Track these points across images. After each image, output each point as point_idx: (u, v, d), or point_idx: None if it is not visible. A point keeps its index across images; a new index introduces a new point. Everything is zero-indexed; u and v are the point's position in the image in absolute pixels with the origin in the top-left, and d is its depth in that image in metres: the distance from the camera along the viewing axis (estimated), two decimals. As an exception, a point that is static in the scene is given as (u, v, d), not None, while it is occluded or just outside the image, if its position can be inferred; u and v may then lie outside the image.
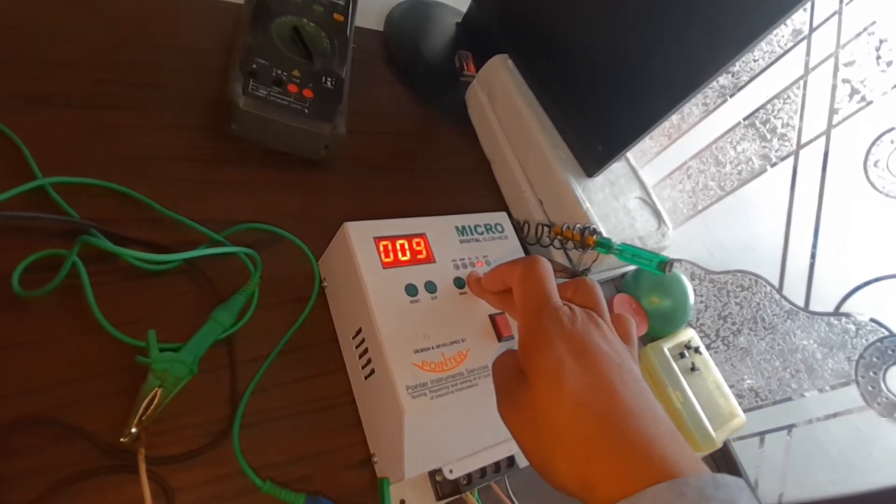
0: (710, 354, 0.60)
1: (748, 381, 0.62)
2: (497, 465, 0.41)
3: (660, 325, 0.58)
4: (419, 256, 0.41)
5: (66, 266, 0.34)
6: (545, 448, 0.26)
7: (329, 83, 0.48)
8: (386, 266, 0.39)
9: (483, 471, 0.40)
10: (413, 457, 0.35)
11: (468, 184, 0.60)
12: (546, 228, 0.51)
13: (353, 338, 0.39)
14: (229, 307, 0.37)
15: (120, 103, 0.43)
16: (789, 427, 0.57)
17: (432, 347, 0.37)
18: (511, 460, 0.42)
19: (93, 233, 0.36)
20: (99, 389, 0.33)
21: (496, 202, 0.60)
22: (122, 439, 0.31)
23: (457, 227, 0.44)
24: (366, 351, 0.38)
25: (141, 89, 0.45)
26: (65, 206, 0.37)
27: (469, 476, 0.39)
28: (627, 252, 0.45)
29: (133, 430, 0.32)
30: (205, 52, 0.49)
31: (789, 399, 0.58)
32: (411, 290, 0.38)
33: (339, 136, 0.47)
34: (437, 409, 0.35)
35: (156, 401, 0.33)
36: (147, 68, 0.46)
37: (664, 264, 0.42)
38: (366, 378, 0.38)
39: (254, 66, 0.44)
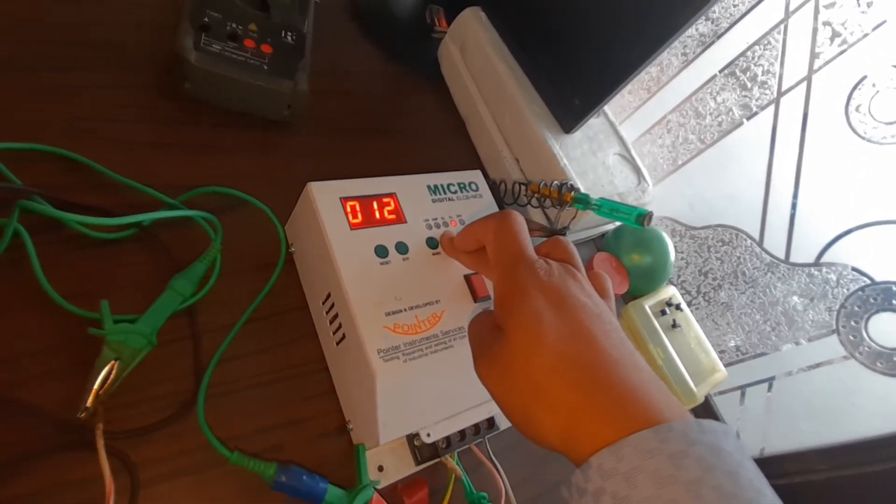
0: (692, 311, 0.60)
1: (729, 337, 0.62)
2: (476, 427, 0.40)
3: (641, 283, 0.57)
4: (389, 217, 0.39)
5: (6, 234, 0.31)
6: (526, 404, 0.25)
7: (289, 38, 0.45)
8: (354, 227, 0.37)
9: (462, 433, 0.39)
10: (387, 422, 0.34)
11: (442, 145, 0.58)
12: (523, 187, 0.50)
13: (323, 303, 0.38)
14: (189, 275, 0.35)
15: (64, 63, 0.40)
16: (770, 380, 0.57)
17: (405, 310, 0.36)
18: (491, 422, 0.41)
19: (35, 199, 0.34)
20: (50, 365, 0.31)
21: (472, 163, 0.58)
22: (78, 415, 0.30)
23: (429, 187, 0.42)
24: (336, 316, 0.36)
25: (86, 48, 0.42)
26: (6, 172, 0.34)
27: (448, 439, 0.38)
28: (605, 207, 0.43)
29: (89, 405, 0.30)
30: (155, 7, 0.45)
31: (769, 352, 0.58)
32: (381, 251, 0.37)
33: (302, 94, 0.44)
34: (410, 373, 0.34)
35: (112, 374, 0.31)
36: (92, 25, 0.43)
37: (643, 217, 0.41)
38: (337, 344, 0.37)
39: (206, 19, 0.41)
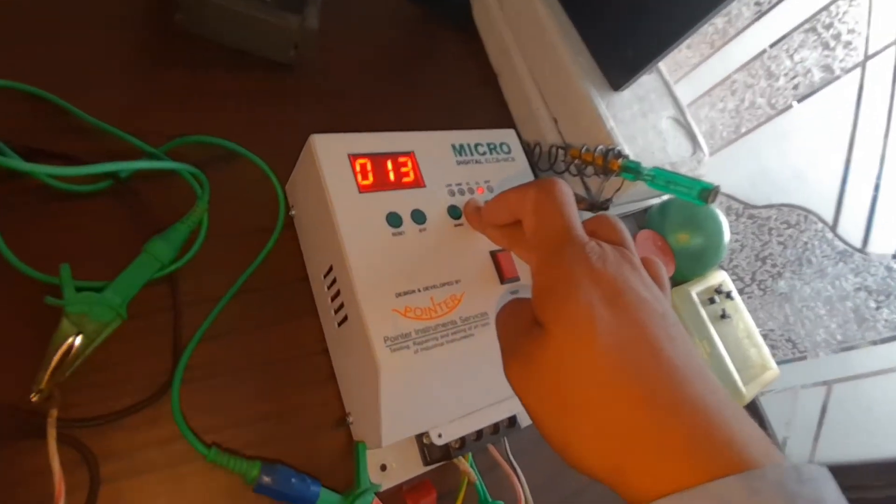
0: (744, 300, 0.53)
1: (785, 331, 0.55)
2: (496, 427, 0.35)
3: (688, 267, 0.51)
4: (405, 180, 0.33)
5: (-48, 183, 0.26)
6: (567, 421, 0.20)
7: (298, -36, 0.39)
8: (363, 190, 0.31)
9: (479, 433, 0.34)
10: (392, 421, 0.29)
11: (470, 100, 0.51)
12: (561, 151, 0.43)
13: (325, 277, 0.32)
14: (168, 238, 0.30)
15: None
16: (828, 382, 0.51)
17: (418, 290, 0.30)
18: (513, 420, 0.36)
19: (-6, 144, 0.29)
20: (4, 338, 0.27)
21: (502, 122, 0.51)
22: (31, 397, 0.25)
23: (453, 146, 0.36)
24: (338, 294, 0.31)
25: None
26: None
27: (462, 440, 0.33)
28: (661, 178, 0.37)
29: (43, 387, 0.26)
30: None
31: (831, 352, 0.51)
32: (394, 219, 0.31)
33: (310, 32, 0.38)
34: (422, 365, 0.29)
35: (73, 351, 0.26)
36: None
37: (707, 192, 0.34)
38: (339, 325, 0.32)
39: (199, -64, 0.35)
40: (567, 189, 0.25)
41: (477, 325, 0.31)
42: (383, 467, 0.33)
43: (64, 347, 0.26)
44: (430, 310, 0.30)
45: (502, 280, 0.33)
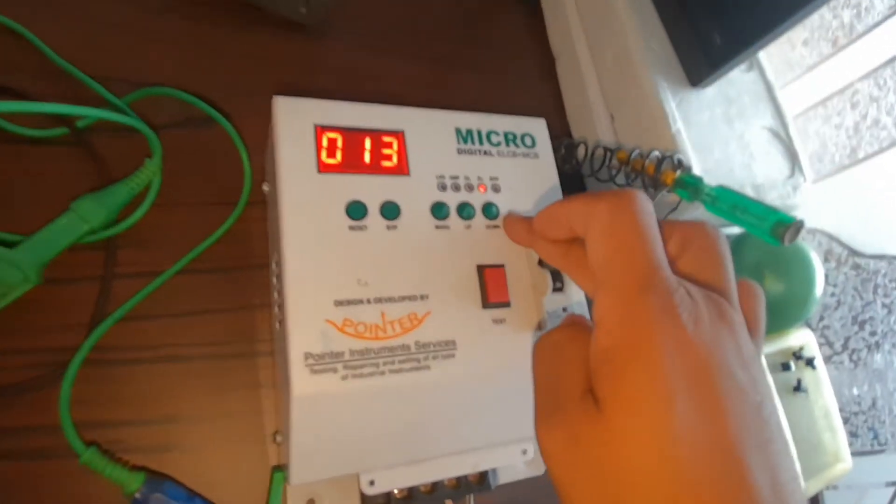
0: (829, 370, 0.42)
1: (868, 416, 0.43)
2: (456, 482, 0.28)
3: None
4: (385, 164, 0.27)
5: None
6: None
7: None
8: (324, 169, 0.26)
9: (434, 485, 0.28)
10: (304, 457, 0.23)
11: (519, 87, 0.44)
12: (608, 153, 0.35)
13: (275, 266, 0.27)
14: (101, 198, 0.26)
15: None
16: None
17: (366, 301, 0.24)
18: (482, 478, 0.29)
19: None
20: None
21: (553, 116, 0.43)
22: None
23: (458, 131, 0.29)
24: (280, 291, 0.26)
25: None
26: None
27: (410, 491, 0.27)
28: (725, 201, 0.28)
29: (-71, 345, 0.23)
30: None
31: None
32: (356, 210, 0.25)
33: (322, -17, 0.33)
34: (350, 396, 0.23)
35: (-29, 311, 0.23)
36: None
37: (783, 228, 0.25)
38: (279, 326, 0.26)
39: None
40: (650, 208, 0.19)
41: (437, 356, 0.25)
42: (311, 503, 0.27)
43: (-40, 306, 0.23)
44: (377, 327, 0.24)
45: (485, 303, 0.26)
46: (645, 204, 0.19)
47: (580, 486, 0.17)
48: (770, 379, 0.38)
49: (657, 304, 0.17)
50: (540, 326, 0.27)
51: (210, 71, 0.33)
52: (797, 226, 0.25)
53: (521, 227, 0.26)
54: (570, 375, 0.18)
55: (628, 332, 0.17)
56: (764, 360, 0.39)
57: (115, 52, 0.31)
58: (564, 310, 0.28)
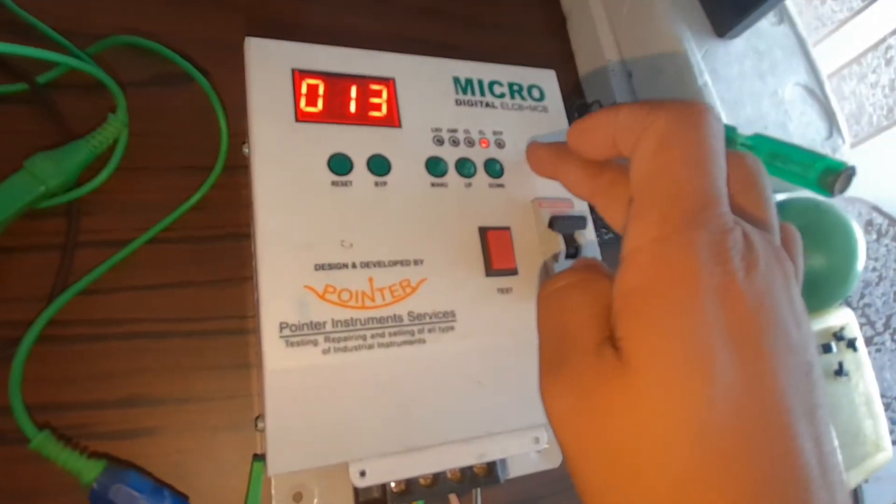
0: (870, 353, 0.38)
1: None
2: (461, 473, 0.25)
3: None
4: (373, 114, 0.24)
5: None
6: (624, 496, 0.14)
7: None
8: (303, 118, 0.23)
9: (435, 477, 0.25)
10: (282, 443, 0.20)
11: (527, 45, 0.40)
12: (626, 112, 0.31)
13: (253, 233, 0.25)
14: (59, 157, 0.24)
15: None
16: None
17: (353, 265, 0.21)
18: (490, 470, 0.26)
19: None
20: None
21: (565, 75, 0.40)
22: None
23: (456, 80, 0.26)
24: (255, 252, 0.23)
25: None
26: None
27: (407, 482, 0.24)
28: (763, 150, 0.24)
29: None
30: None
31: None
32: (340, 164, 0.22)
33: (308, -73, 0.30)
34: (333, 372, 0.20)
35: (-89, 280, 0.21)
36: None
37: (833, 176, 0.22)
38: (256, 300, 0.24)
39: None
40: (720, 129, 0.16)
41: (434, 329, 0.22)
42: (298, 497, 0.24)
43: None
44: (365, 295, 0.21)
45: (489, 270, 0.23)
46: (715, 122, 0.15)
47: (592, 455, 0.14)
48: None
49: (706, 243, 0.14)
50: (551, 296, 0.24)
51: (186, 24, 0.30)
52: (848, 173, 0.22)
53: (546, 150, 0.23)
54: (582, 324, 0.16)
55: (666, 270, 0.14)
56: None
57: (80, 3, 0.28)
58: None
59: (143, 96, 0.27)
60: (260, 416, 0.25)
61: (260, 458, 0.24)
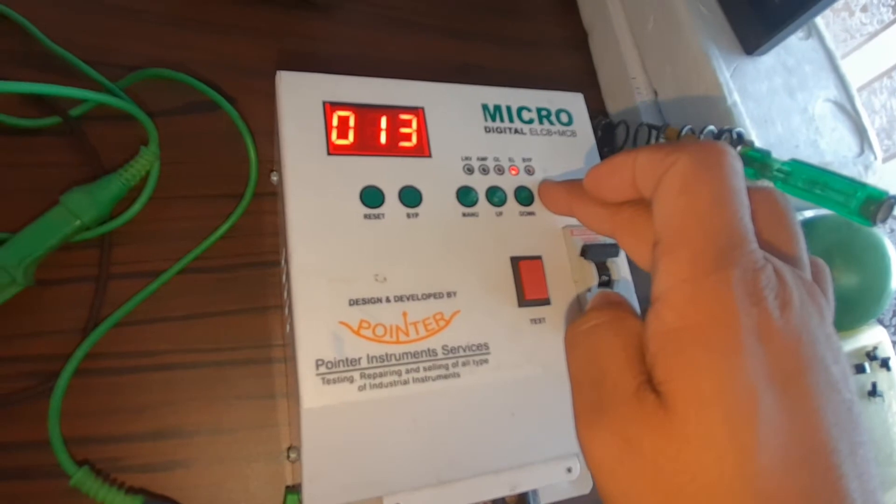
0: (908, 371, 0.37)
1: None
2: None
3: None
4: (403, 144, 0.24)
5: None
6: None
7: None
8: (335, 151, 0.23)
9: (467, 508, 0.25)
10: (318, 479, 0.20)
11: (550, 62, 0.40)
12: (654, 132, 0.31)
13: (284, 264, 0.25)
14: (92, 192, 0.24)
15: None
16: None
17: (386, 299, 0.21)
18: (523, 500, 0.26)
19: (-70, 59, 0.24)
20: None
21: (588, 91, 0.40)
22: None
23: (485, 107, 0.26)
24: (289, 288, 0.23)
25: None
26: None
27: (439, 513, 0.24)
28: (800, 177, 0.24)
29: None
30: None
31: None
32: (372, 196, 0.22)
33: (333, -47, 0.30)
34: (369, 408, 0.20)
35: (-47, 316, 0.21)
36: None
37: (875, 205, 0.21)
38: (289, 329, 0.24)
39: None
40: (740, 167, 0.16)
41: (468, 362, 0.21)
42: (330, 526, 0.24)
43: (-57, 309, 0.21)
44: (399, 329, 0.21)
45: (521, 301, 0.23)
46: (735, 162, 0.15)
47: (631, 493, 0.14)
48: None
49: (740, 282, 0.14)
50: (584, 326, 0.23)
51: (213, 52, 0.30)
52: (891, 202, 0.21)
53: (559, 189, 0.23)
54: (618, 367, 0.15)
55: (703, 312, 0.14)
56: (836, 361, 0.34)
57: (108, 33, 0.28)
58: (611, 307, 0.24)
59: (172, 124, 0.28)
60: (291, 447, 0.25)
61: (292, 489, 0.24)
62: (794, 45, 0.36)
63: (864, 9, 0.42)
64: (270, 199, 0.29)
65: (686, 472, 0.13)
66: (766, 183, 0.26)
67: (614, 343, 0.16)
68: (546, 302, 0.23)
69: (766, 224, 0.16)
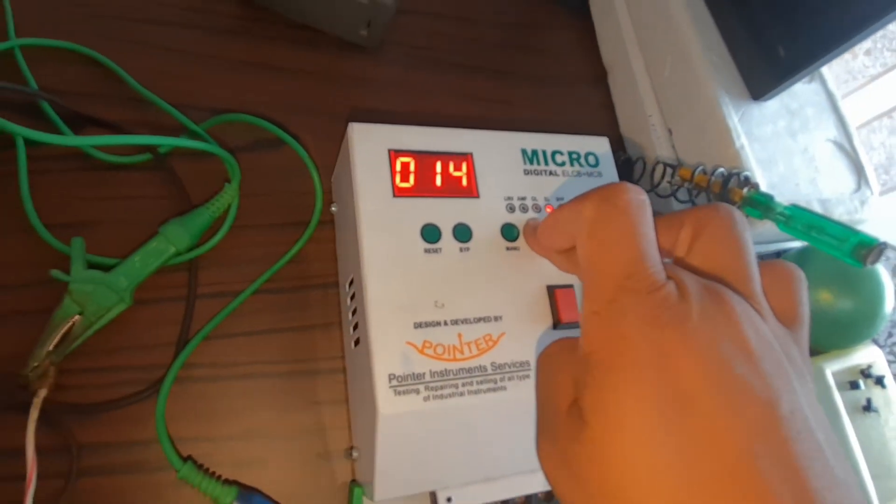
0: (900, 387, 0.41)
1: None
2: (528, 500, 0.29)
3: (829, 335, 0.39)
4: (456, 187, 0.28)
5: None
6: None
7: (383, -68, 0.35)
8: (399, 194, 0.26)
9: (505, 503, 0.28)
10: (388, 475, 0.24)
11: (570, 99, 0.44)
12: (669, 169, 0.35)
13: (348, 287, 0.28)
14: (187, 223, 0.28)
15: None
16: None
17: (444, 323, 0.25)
18: (551, 495, 0.29)
19: (43, 106, 0.28)
20: (18, 304, 0.26)
21: (605, 129, 0.43)
22: (23, 372, 0.24)
23: (524, 151, 0.30)
24: (356, 311, 0.27)
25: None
26: (26, 72, 0.29)
27: (482, 507, 0.28)
28: (800, 221, 0.27)
29: (37, 364, 0.24)
30: None
31: None
32: (431, 233, 0.26)
33: (385, 7, 0.34)
34: (432, 415, 0.23)
35: (73, 332, 0.25)
36: None
37: (867, 250, 0.25)
38: (354, 346, 0.27)
39: None
40: (641, 198, 0.17)
41: (513, 377, 0.25)
42: (386, 518, 0.28)
43: (65, 327, 0.25)
44: (455, 349, 0.24)
45: (557, 324, 0.26)
46: (634, 194, 0.17)
47: (569, 492, 0.16)
48: (840, 399, 0.37)
49: (633, 305, 0.15)
50: (611, 347, 0.27)
51: (274, 93, 0.34)
52: (880, 248, 0.25)
53: (531, 240, 0.26)
54: (558, 387, 0.17)
55: (605, 337, 0.15)
56: (831, 378, 0.38)
57: (189, 79, 0.32)
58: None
59: (247, 160, 0.31)
60: (353, 447, 0.29)
61: (356, 483, 0.27)
62: (797, 89, 0.39)
63: (867, 52, 0.45)
64: (329, 226, 0.32)
65: (605, 482, 0.15)
66: (765, 223, 0.29)
67: (559, 368, 0.18)
68: (578, 325, 0.27)
69: (706, 239, 0.17)
